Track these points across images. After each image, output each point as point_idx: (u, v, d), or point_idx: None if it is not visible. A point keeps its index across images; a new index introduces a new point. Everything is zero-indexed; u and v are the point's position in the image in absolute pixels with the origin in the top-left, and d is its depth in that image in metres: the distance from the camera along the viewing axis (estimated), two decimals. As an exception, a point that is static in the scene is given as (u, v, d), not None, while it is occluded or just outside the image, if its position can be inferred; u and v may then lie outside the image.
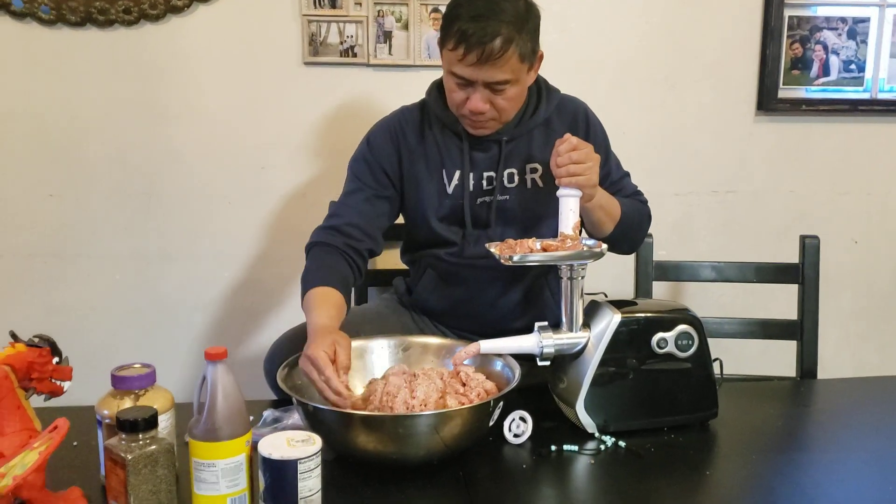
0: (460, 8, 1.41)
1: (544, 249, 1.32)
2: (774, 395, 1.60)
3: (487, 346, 1.32)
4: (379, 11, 2.06)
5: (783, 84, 2.23)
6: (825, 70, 2.25)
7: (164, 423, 1.10)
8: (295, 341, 1.51)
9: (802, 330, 1.77)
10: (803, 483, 1.18)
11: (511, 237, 1.41)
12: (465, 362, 1.34)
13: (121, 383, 1.11)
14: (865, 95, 2.28)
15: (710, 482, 1.21)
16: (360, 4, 2.05)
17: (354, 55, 2.08)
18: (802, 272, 1.78)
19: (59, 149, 2.06)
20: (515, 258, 1.29)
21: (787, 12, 2.20)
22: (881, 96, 2.29)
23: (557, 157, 1.37)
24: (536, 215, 1.57)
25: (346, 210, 1.56)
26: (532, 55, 1.46)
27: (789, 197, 2.32)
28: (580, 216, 1.39)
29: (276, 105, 2.10)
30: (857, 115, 2.29)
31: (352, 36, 2.07)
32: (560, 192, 1.38)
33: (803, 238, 1.79)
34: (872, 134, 2.31)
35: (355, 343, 1.36)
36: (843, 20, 2.24)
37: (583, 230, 1.47)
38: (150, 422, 0.99)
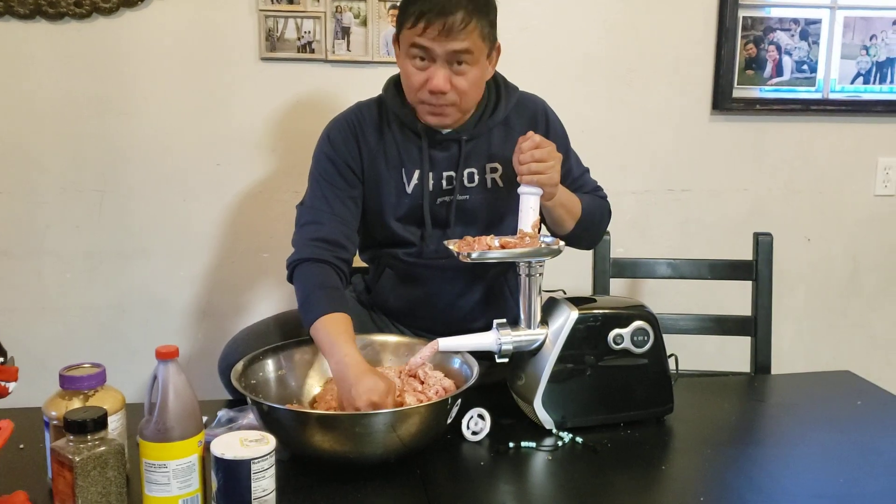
0: None
1: (503, 246, 1.32)
2: (729, 390, 1.62)
3: (446, 343, 1.32)
4: (337, 7, 2.04)
5: (738, 84, 2.27)
6: (778, 70, 2.29)
7: (115, 423, 1.07)
8: (249, 340, 1.49)
9: (756, 326, 1.80)
10: (757, 476, 1.20)
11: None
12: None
13: (69, 383, 1.08)
14: (817, 95, 2.33)
15: (665, 476, 1.22)
16: (318, 0, 2.03)
17: (312, 51, 2.06)
18: (756, 269, 1.81)
19: (7, 144, 2.01)
20: (474, 255, 1.29)
21: (742, 13, 2.23)
22: (832, 96, 2.34)
23: (520, 155, 1.37)
24: (497, 215, 1.56)
25: (325, 217, 1.50)
26: (491, 39, 1.45)
27: (744, 195, 2.36)
28: (540, 214, 1.39)
29: (232, 101, 2.07)
30: (810, 114, 2.33)
31: (309, 31, 2.05)
32: (521, 190, 1.38)
33: (757, 235, 1.82)
34: (824, 133, 2.36)
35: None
36: (796, 21, 2.28)
37: (542, 227, 1.48)
38: (100, 422, 0.97)
